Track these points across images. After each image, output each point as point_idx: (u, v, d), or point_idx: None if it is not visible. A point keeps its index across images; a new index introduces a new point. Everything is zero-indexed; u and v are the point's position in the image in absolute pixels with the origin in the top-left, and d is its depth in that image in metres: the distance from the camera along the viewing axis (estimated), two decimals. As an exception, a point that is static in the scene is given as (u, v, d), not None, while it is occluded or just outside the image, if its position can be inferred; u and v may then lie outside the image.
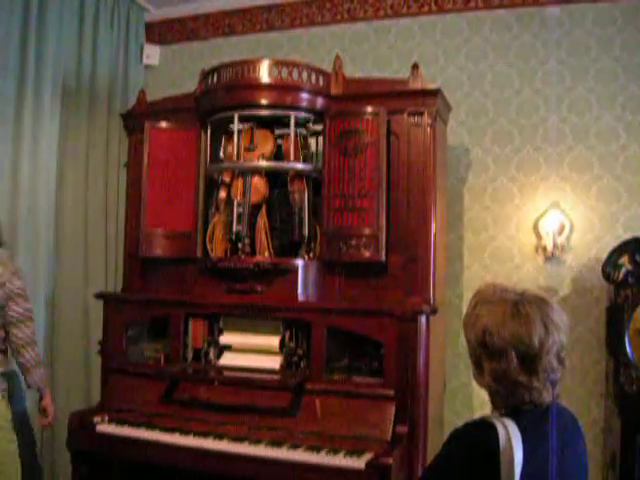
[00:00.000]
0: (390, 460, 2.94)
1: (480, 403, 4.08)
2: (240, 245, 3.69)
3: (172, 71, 5.14)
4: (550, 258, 4.04)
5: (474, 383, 4.22)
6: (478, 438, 1.66)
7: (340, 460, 3.02)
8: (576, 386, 3.96)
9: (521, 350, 1.67)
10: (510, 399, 1.71)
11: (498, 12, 4.30)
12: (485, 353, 1.73)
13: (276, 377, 3.47)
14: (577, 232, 4.04)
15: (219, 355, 3.71)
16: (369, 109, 3.54)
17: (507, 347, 1.68)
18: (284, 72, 3.61)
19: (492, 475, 1.60)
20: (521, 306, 1.71)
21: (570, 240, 4.03)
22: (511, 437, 1.61)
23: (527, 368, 1.68)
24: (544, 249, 4.04)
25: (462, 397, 4.23)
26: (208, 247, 3.84)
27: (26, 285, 3.47)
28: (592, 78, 4.08)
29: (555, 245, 4.00)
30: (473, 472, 1.63)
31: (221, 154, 3.90)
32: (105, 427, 3.49)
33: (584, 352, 3.98)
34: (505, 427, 1.63)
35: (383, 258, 3.48)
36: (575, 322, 3.93)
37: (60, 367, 4.16)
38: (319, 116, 3.73)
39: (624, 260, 3.62)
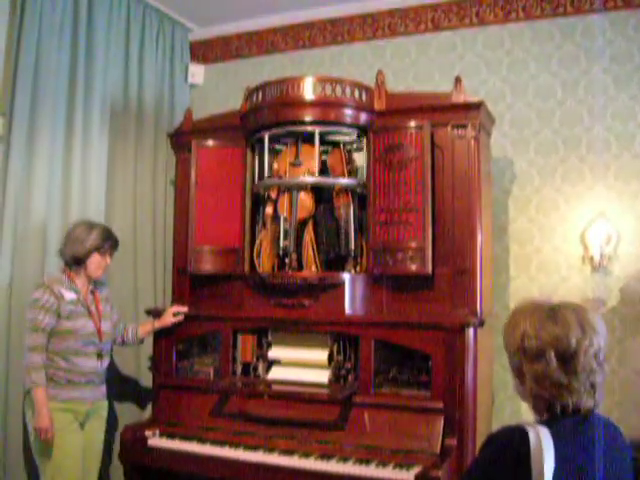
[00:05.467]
0: (439, 473, 2.94)
1: (528, 416, 4.03)
2: (287, 260, 3.74)
3: (217, 89, 5.23)
4: (597, 268, 3.98)
5: (523, 395, 4.15)
6: (510, 441, 1.70)
7: (389, 473, 3.03)
8: (625, 398, 3.91)
9: (559, 350, 1.72)
10: (553, 402, 1.75)
11: (539, 22, 4.28)
12: (525, 358, 1.78)
13: (325, 391, 3.50)
14: (624, 242, 3.98)
15: (268, 369, 3.75)
16: (413, 123, 3.56)
17: (546, 348, 1.73)
18: (328, 89, 3.66)
19: (523, 478, 1.63)
20: (557, 310, 1.78)
21: (617, 250, 3.97)
22: (542, 443, 1.65)
23: (566, 368, 1.72)
24: (591, 260, 3.99)
25: (510, 410, 4.18)
26: (255, 263, 3.88)
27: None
28: (636, 85, 4.03)
29: (602, 255, 3.95)
30: (506, 473, 1.67)
31: (267, 170, 3.94)
32: (156, 441, 3.56)
33: (634, 363, 3.92)
34: (537, 433, 1.67)
35: (430, 271, 3.48)
36: (624, 333, 3.90)
37: (114, 382, 4.23)
38: (363, 131, 3.76)
39: (673, 270, 3.59)
